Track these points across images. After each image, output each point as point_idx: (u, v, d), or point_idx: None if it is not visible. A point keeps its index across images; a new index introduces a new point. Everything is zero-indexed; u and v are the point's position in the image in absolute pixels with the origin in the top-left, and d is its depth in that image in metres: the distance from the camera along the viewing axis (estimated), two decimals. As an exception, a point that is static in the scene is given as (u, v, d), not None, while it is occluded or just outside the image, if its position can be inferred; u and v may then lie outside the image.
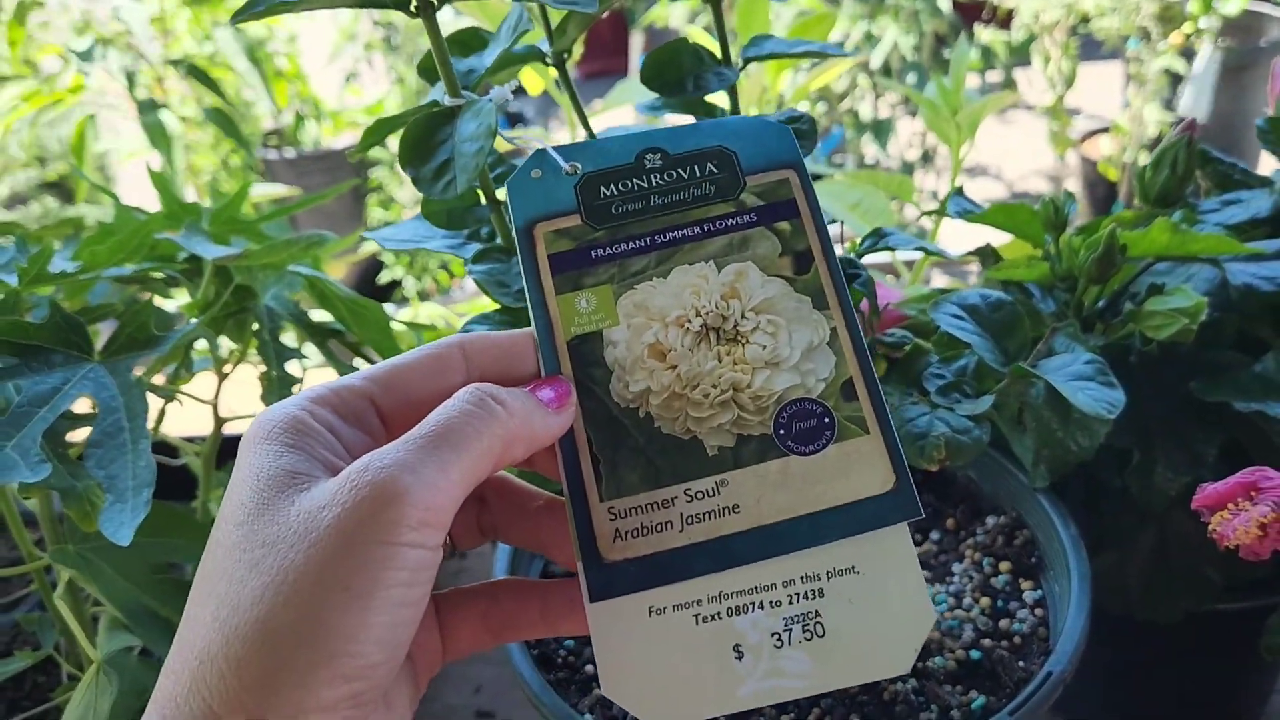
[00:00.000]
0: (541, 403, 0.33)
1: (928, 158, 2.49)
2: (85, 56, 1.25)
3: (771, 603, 0.33)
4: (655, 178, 0.37)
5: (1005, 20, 2.56)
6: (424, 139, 0.40)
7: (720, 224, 0.37)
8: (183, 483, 0.70)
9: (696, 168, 0.37)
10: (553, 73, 0.50)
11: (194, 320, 0.57)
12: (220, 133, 1.53)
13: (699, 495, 0.34)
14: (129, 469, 0.45)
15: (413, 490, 0.27)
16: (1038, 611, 0.54)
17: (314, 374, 0.79)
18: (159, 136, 1.26)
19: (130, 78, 1.32)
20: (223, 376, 0.61)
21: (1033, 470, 0.58)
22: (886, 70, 2.47)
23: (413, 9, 0.40)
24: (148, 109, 1.29)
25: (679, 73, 0.49)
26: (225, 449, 0.58)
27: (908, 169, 2.53)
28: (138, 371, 0.51)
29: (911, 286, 0.86)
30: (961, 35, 1.64)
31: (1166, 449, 0.60)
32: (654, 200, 0.37)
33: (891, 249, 0.56)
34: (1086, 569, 0.52)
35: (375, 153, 2.47)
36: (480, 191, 0.45)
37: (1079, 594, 0.50)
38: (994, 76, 2.62)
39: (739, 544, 0.33)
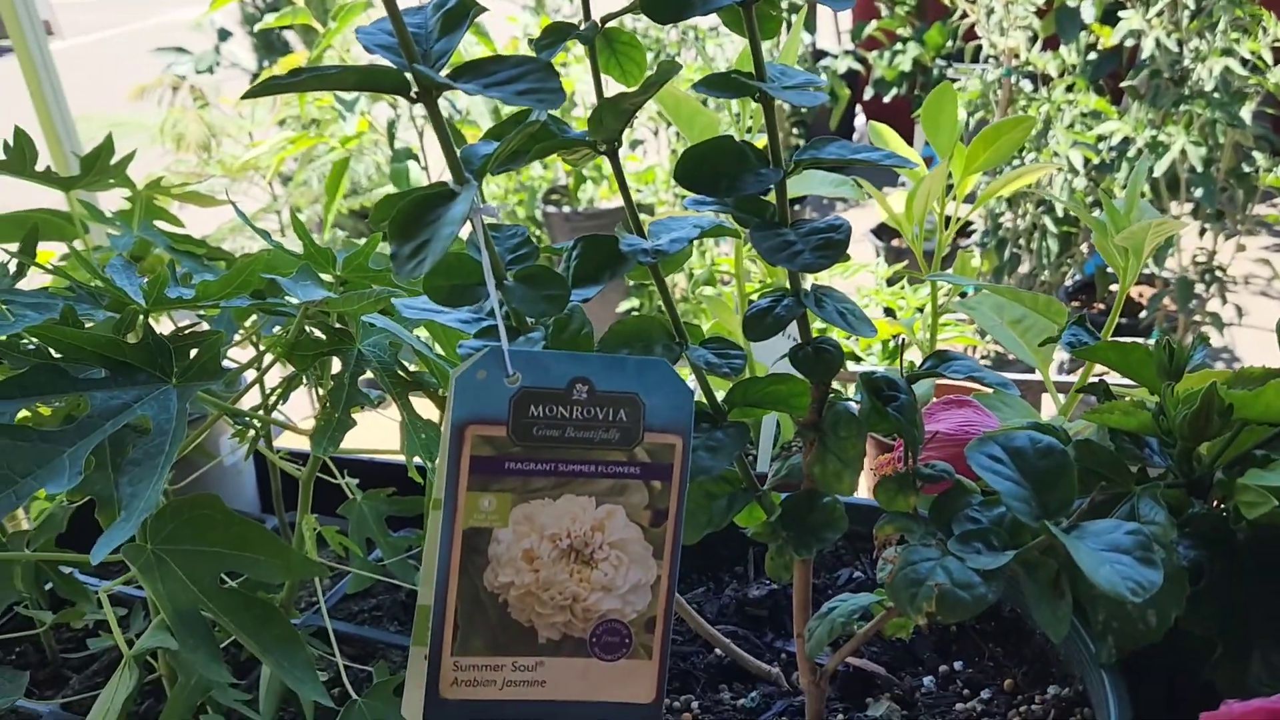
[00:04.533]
0: None
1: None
2: (349, 107, 1.40)
3: None
4: (577, 410, 0.44)
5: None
6: (415, 218, 0.42)
7: (611, 469, 0.45)
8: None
9: (610, 412, 0.44)
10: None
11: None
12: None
13: (521, 668, 0.45)
14: (148, 492, 0.49)
15: None
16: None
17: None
18: (402, 181, 1.37)
19: (391, 127, 1.46)
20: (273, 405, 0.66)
21: (1098, 644, 0.52)
22: (1174, 181, 2.28)
23: (412, 95, 0.42)
24: (400, 156, 1.42)
25: (714, 172, 0.48)
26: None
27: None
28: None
29: (1058, 416, 0.79)
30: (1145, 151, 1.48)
31: (1266, 643, 0.51)
32: (569, 432, 0.44)
33: (947, 376, 0.52)
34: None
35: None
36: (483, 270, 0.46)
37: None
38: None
39: (535, 709, 0.45)
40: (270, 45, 3.43)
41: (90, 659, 0.89)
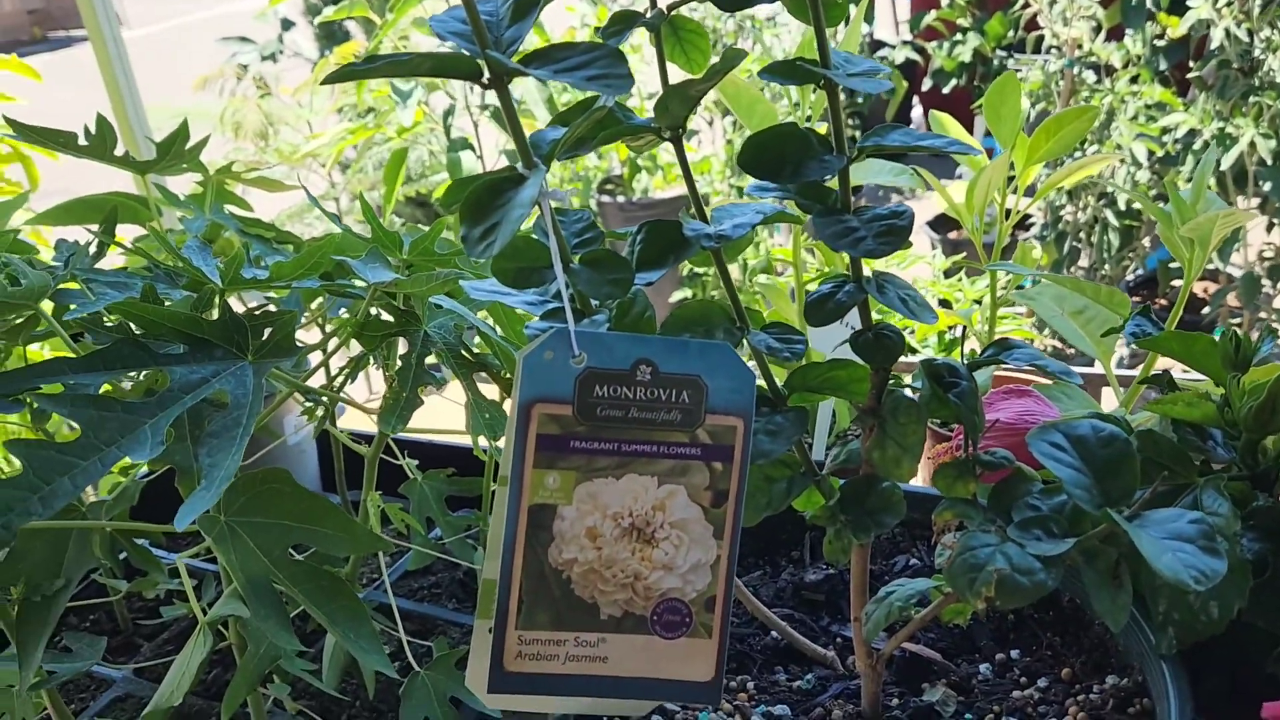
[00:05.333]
0: None
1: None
2: (404, 98, 1.42)
3: None
4: (640, 391, 0.45)
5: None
6: (486, 201, 0.43)
7: (673, 449, 0.45)
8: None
9: (673, 393, 0.45)
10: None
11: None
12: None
13: (584, 643, 0.46)
14: (226, 461, 0.51)
15: None
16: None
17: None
18: (456, 170, 1.39)
19: (446, 117, 1.48)
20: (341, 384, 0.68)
21: (1158, 635, 0.52)
22: (1241, 175, 2.23)
23: (484, 81, 0.43)
24: (456, 146, 1.44)
25: (778, 158, 0.49)
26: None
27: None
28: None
29: (1119, 408, 0.78)
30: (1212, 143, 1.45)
31: (1331, 642, 0.50)
32: (632, 412, 0.45)
33: (1006, 364, 0.52)
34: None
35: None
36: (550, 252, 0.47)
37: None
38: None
39: (596, 683, 0.46)
40: (331, 35, 3.48)
41: (160, 628, 0.93)
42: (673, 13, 0.52)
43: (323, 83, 0.42)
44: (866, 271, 0.52)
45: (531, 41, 1.79)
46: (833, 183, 0.51)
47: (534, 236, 0.49)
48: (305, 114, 2.27)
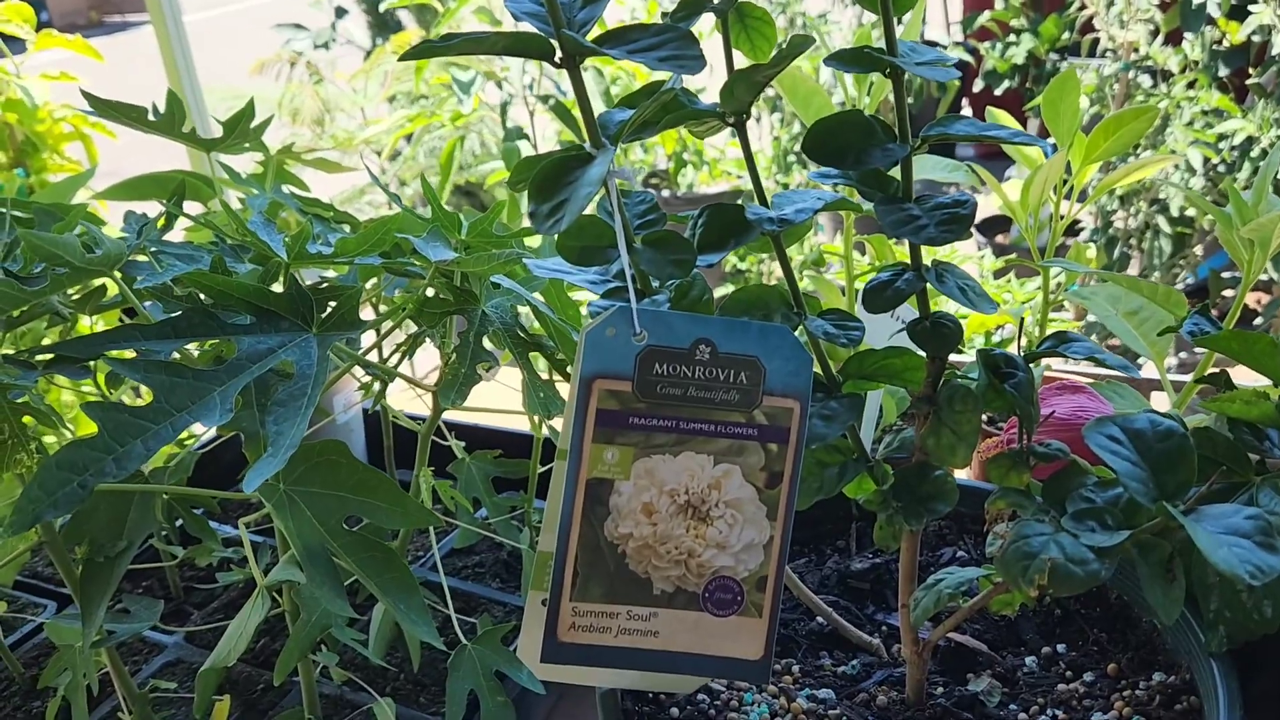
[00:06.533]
0: None
1: None
2: (464, 88, 1.44)
3: None
4: (699, 370, 0.46)
5: None
6: (554, 178, 0.44)
7: (730, 429, 0.46)
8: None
9: (732, 373, 0.46)
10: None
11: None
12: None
13: (636, 617, 0.47)
14: (293, 429, 0.52)
15: None
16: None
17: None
18: (513, 159, 1.41)
19: (504, 108, 1.50)
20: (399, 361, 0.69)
21: (1209, 633, 0.52)
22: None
23: (556, 61, 0.44)
24: (512, 135, 1.46)
25: (842, 145, 0.49)
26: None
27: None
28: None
29: (1175, 409, 0.77)
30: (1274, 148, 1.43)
31: (1387, 646, 0.50)
32: (691, 391, 0.46)
33: (1066, 356, 0.52)
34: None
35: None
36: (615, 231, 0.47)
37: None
38: None
39: (646, 657, 0.47)
40: (384, 24, 3.52)
41: (210, 596, 0.95)
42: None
43: (402, 58, 0.43)
44: (925, 260, 0.52)
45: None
46: (894, 172, 0.51)
47: (598, 215, 0.50)
48: (360, 100, 2.30)
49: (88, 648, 0.64)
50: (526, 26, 0.44)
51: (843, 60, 0.49)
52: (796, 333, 0.51)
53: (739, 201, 0.55)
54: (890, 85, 0.51)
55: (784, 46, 0.48)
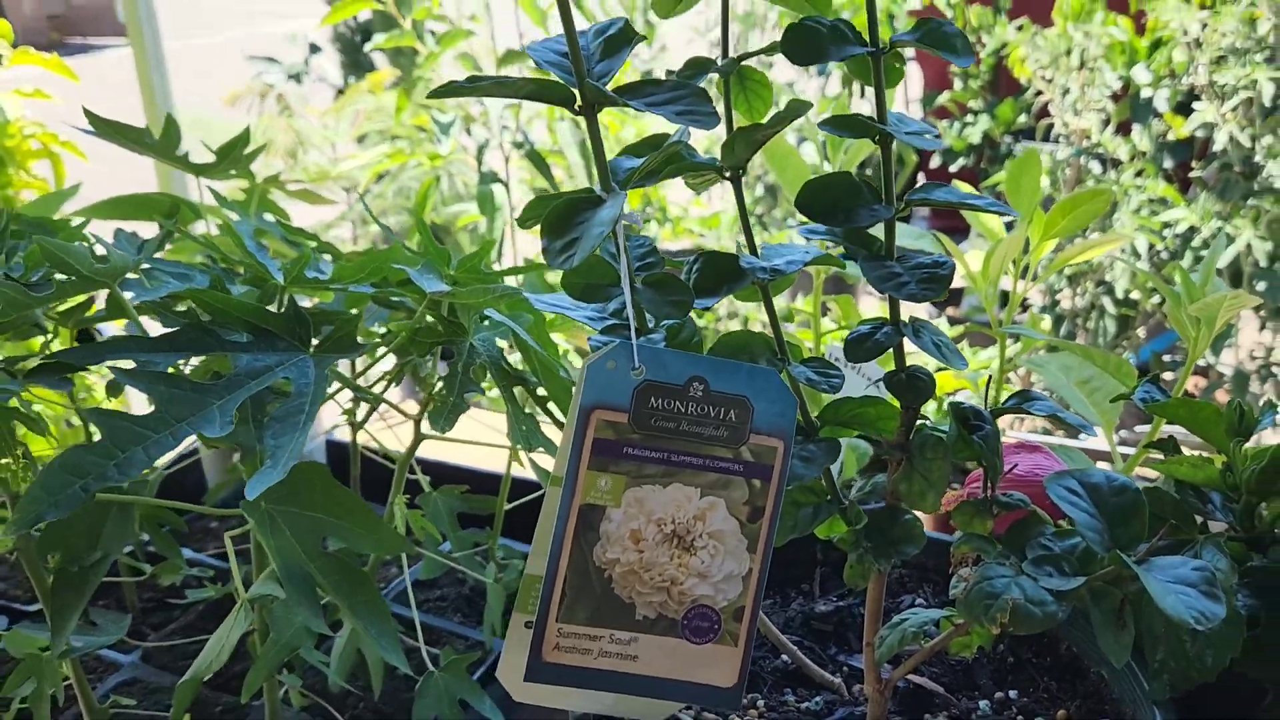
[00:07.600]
0: None
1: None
2: (444, 129, 1.47)
3: None
4: (692, 406, 0.48)
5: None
6: (567, 218, 0.47)
7: (718, 464, 0.49)
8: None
9: (722, 411, 0.48)
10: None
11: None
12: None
13: (618, 641, 0.49)
14: (292, 444, 0.54)
15: None
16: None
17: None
18: (486, 203, 1.44)
19: (480, 152, 1.53)
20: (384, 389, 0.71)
21: (1153, 682, 0.55)
22: (1237, 275, 2.29)
23: (576, 108, 0.47)
24: (486, 179, 1.49)
25: (832, 203, 0.52)
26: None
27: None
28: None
29: (1120, 469, 0.81)
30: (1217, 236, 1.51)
31: (1317, 700, 0.53)
32: (683, 425, 0.48)
33: (1030, 413, 0.56)
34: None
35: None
36: (617, 271, 0.50)
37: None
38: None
39: (625, 680, 0.49)
40: (357, 63, 3.55)
41: (169, 619, 0.94)
42: (742, 63, 0.56)
43: (431, 95, 0.45)
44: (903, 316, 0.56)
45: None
46: (876, 231, 0.55)
47: (602, 256, 0.52)
48: (331, 136, 2.32)
49: (55, 656, 0.64)
50: (512, 71, 0.47)
51: (838, 125, 0.52)
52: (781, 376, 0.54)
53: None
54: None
55: (781, 109, 0.52)
